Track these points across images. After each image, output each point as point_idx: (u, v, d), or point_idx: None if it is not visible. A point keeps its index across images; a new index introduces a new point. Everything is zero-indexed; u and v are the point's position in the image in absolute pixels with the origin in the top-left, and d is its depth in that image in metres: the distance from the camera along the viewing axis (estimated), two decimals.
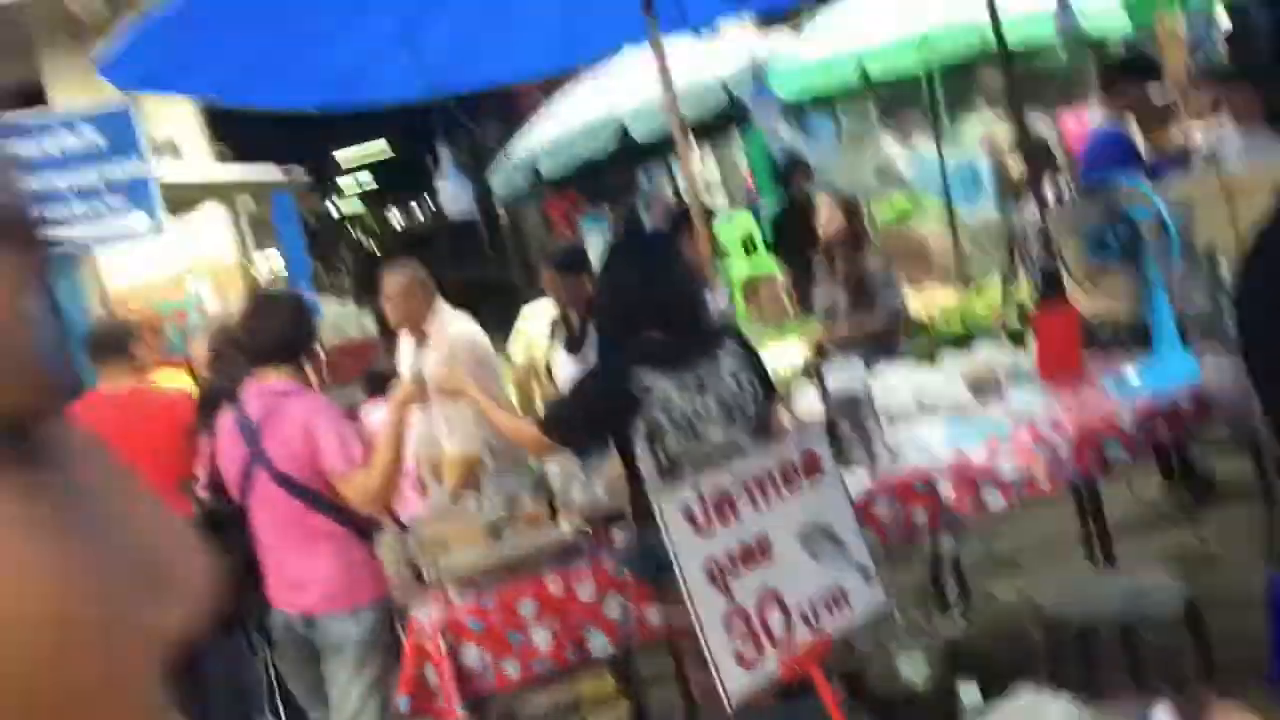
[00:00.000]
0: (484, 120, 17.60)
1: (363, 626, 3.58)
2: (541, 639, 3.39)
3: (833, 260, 5.45)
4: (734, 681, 1.37)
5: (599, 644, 3.43)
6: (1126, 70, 5.81)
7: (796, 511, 1.47)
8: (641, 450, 3.00)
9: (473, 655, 3.35)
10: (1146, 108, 5.78)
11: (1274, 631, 3.30)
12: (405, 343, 5.13)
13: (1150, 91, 5.74)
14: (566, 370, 4.92)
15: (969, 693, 3.62)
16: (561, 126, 7.70)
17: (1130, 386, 3.99)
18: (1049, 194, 5.79)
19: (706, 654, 1.37)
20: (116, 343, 4.67)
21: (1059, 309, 4.67)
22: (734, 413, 2.99)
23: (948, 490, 3.64)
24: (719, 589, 1.37)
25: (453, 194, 6.20)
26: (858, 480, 3.36)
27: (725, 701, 1.37)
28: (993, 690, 2.76)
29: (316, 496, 3.56)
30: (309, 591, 3.56)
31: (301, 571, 3.57)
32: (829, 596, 1.48)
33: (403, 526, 4.17)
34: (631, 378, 3.02)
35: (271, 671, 3.95)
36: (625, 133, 7.22)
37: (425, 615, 3.40)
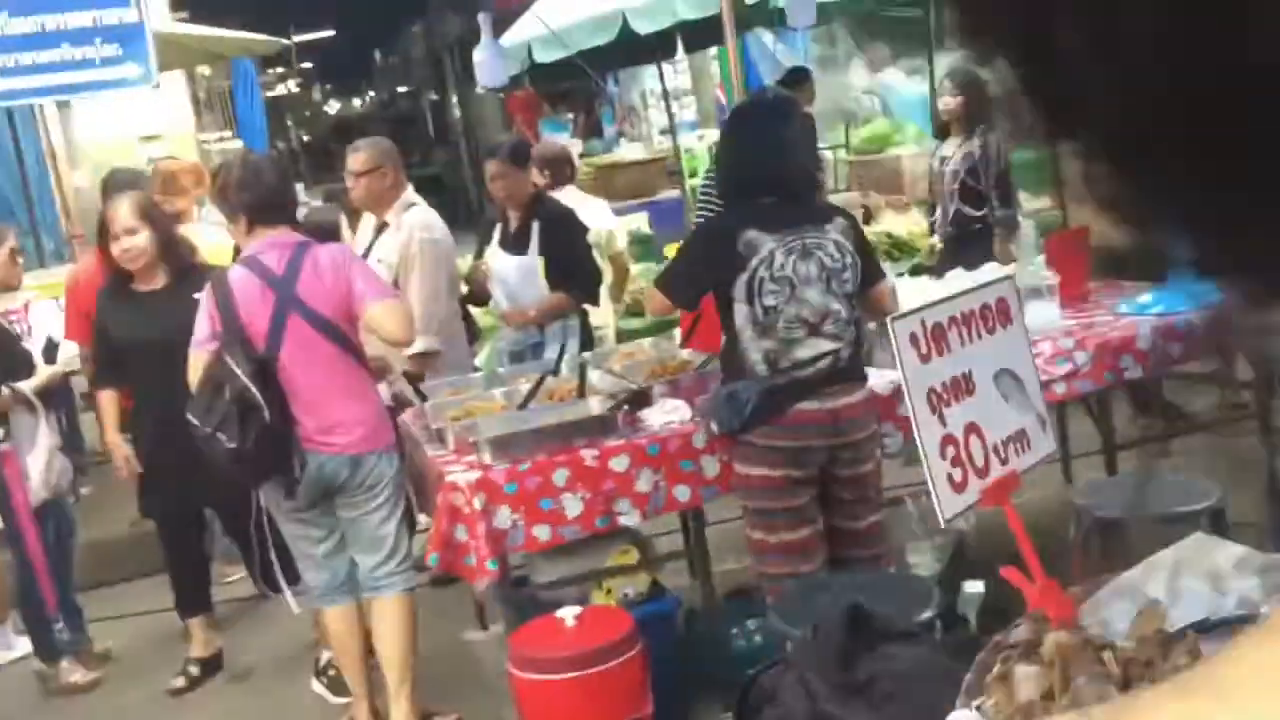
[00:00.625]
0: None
1: (395, 466, 3.75)
2: (572, 506, 3.45)
3: None
4: (949, 503, 1.43)
5: (628, 514, 3.50)
6: None
7: (992, 353, 1.52)
8: (740, 302, 3.15)
9: (504, 516, 3.40)
10: None
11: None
12: (366, 226, 5.04)
13: None
14: (510, 273, 4.77)
15: (973, 587, 3.76)
16: (562, 15, 7.59)
17: (1143, 305, 4.12)
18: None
19: (927, 476, 1.42)
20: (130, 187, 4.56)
21: (1072, 232, 4.79)
22: (833, 281, 3.18)
23: None
24: (937, 416, 1.42)
25: (490, 66, 6.05)
26: (888, 378, 3.48)
27: (940, 519, 1.43)
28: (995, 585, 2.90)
29: (351, 340, 3.64)
30: (352, 431, 3.62)
31: (344, 413, 3.62)
32: (1015, 436, 1.54)
33: (422, 395, 4.17)
34: (739, 236, 3.15)
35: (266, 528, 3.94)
36: (626, 24, 7.14)
37: (460, 476, 3.43)
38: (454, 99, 23.24)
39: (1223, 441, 5.21)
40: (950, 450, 1.43)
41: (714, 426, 3.37)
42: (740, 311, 3.19)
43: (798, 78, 6.91)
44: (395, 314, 3.62)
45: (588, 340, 4.86)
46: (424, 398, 4.15)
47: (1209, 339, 4.11)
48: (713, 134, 10.37)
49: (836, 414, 3.21)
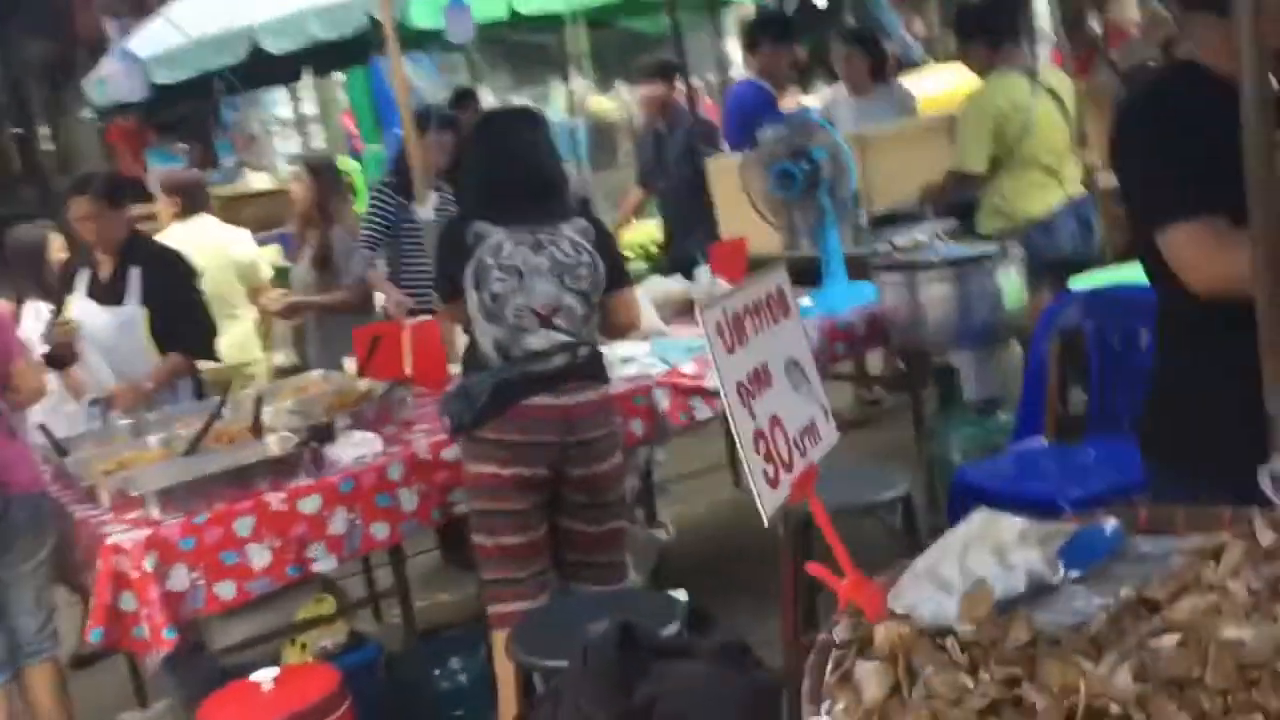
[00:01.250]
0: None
1: (46, 511, 3.43)
2: (259, 557, 3.14)
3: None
4: (768, 499, 1.34)
5: (323, 560, 3.23)
6: (766, 31, 6.21)
7: (780, 343, 1.46)
8: (470, 289, 3.15)
9: (181, 576, 3.03)
10: (780, 68, 6.24)
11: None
12: None
13: (787, 53, 6.20)
14: (105, 328, 4.25)
15: (678, 596, 3.76)
16: (179, 34, 7.00)
17: (805, 309, 4.31)
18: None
19: (747, 472, 1.33)
20: None
21: (731, 242, 4.96)
22: (566, 276, 3.17)
23: (664, 402, 3.78)
24: (748, 410, 1.34)
25: (126, 78, 5.41)
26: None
27: (764, 517, 1.34)
28: (704, 596, 2.91)
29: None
30: (15, 470, 3.34)
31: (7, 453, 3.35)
32: (808, 427, 1.49)
33: (60, 449, 3.66)
34: (469, 228, 3.17)
35: None
36: (256, 43, 6.71)
37: (124, 536, 3.01)
38: (44, 130, 21.11)
39: (866, 437, 5.59)
40: (762, 445, 1.35)
41: (447, 423, 3.24)
42: (471, 300, 3.17)
43: (463, 100, 6.80)
44: (31, 377, 3.51)
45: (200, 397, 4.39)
46: (63, 452, 3.64)
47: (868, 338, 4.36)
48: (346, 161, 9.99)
49: (570, 410, 3.16)
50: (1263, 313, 1.73)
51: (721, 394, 1.31)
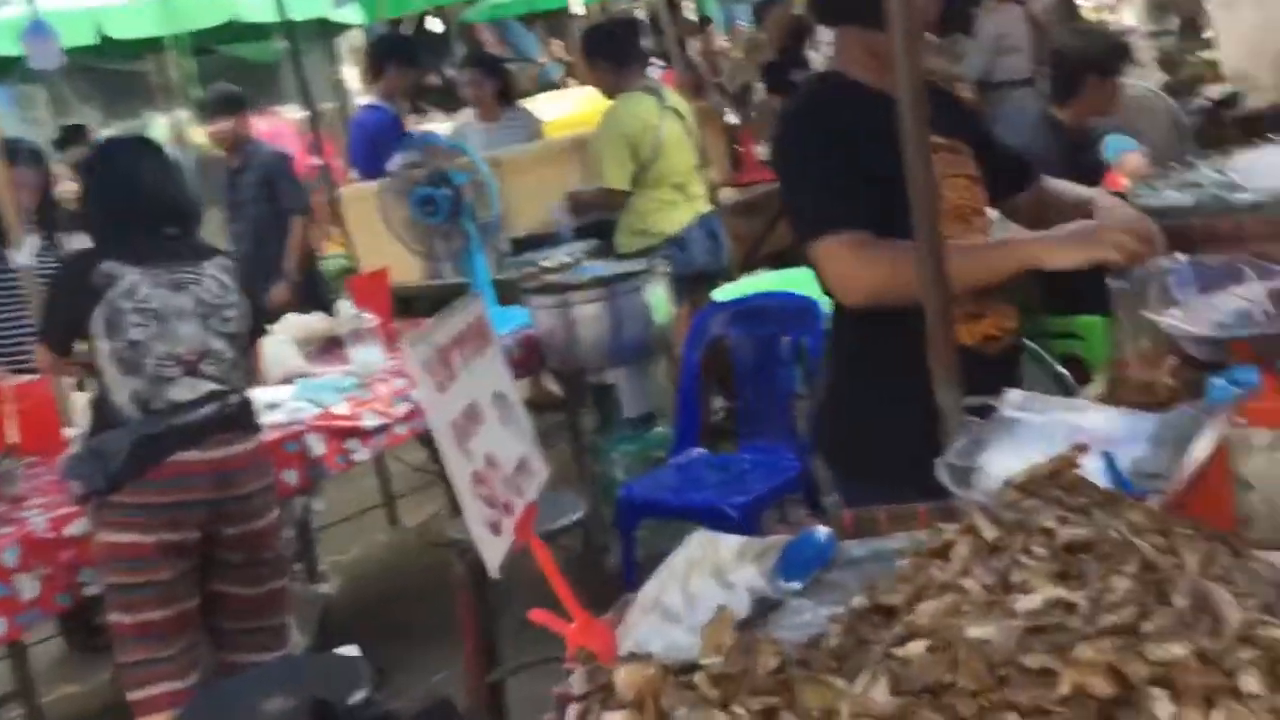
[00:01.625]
0: None
1: None
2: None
3: None
4: (491, 549, 1.22)
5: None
6: (391, 54, 6.05)
7: (485, 376, 1.35)
8: (100, 338, 2.83)
9: None
10: (405, 91, 6.10)
11: (626, 546, 3.72)
12: None
13: (413, 76, 6.07)
14: None
15: (349, 652, 3.55)
16: None
17: None
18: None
19: (469, 522, 1.20)
20: None
21: (371, 274, 4.76)
22: (212, 318, 2.93)
23: (318, 448, 3.54)
24: (464, 452, 1.21)
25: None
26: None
27: (490, 569, 1.21)
28: (375, 646, 2.76)
29: None
30: None
31: None
32: (521, 464, 1.38)
33: None
34: (96, 268, 2.87)
35: None
36: None
37: None
38: None
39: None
40: (482, 490, 1.23)
41: (76, 488, 2.85)
42: (102, 349, 2.83)
43: (73, 137, 6.18)
44: None
45: None
46: None
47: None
48: None
49: (221, 464, 2.89)
50: (930, 308, 1.80)
51: (436, 437, 1.18)
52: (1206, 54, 8.80)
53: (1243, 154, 2.37)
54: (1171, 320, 1.46)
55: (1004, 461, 1.78)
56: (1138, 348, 2.06)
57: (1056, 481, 1.36)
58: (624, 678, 1.23)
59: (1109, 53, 4.03)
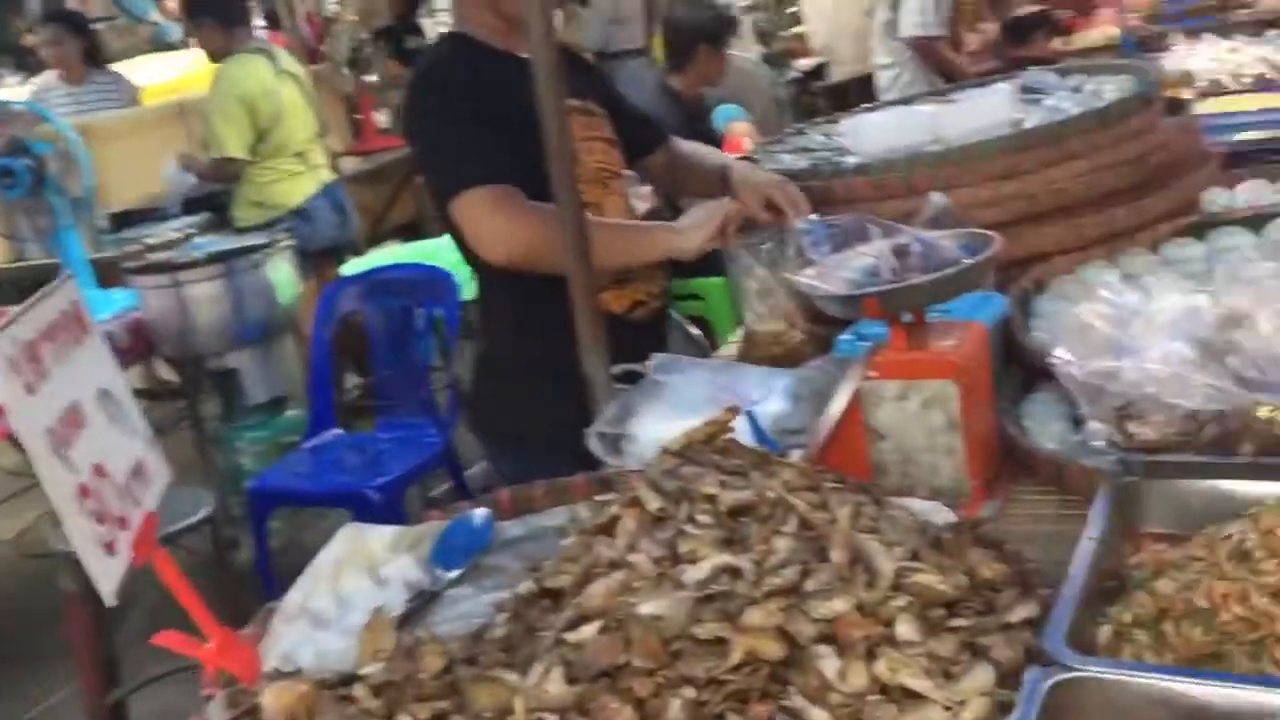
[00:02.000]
0: None
1: None
2: None
3: None
4: (106, 572, 1.06)
5: None
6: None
7: (87, 370, 1.17)
8: None
9: None
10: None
11: (259, 540, 3.48)
12: None
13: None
14: None
15: None
16: None
17: None
18: None
19: (76, 545, 1.03)
20: None
21: None
22: None
23: None
24: (64, 463, 1.04)
25: None
26: None
27: (105, 597, 1.04)
28: None
29: None
30: None
31: None
32: (136, 468, 1.21)
33: None
34: None
35: None
36: None
37: None
38: None
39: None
40: (90, 504, 1.06)
41: None
42: None
43: None
44: None
45: None
46: None
47: None
48: None
49: None
50: (574, 277, 1.77)
51: (28, 449, 1.00)
52: (797, 29, 9.43)
53: (850, 119, 2.50)
54: (807, 279, 1.49)
55: (654, 426, 1.79)
56: (767, 306, 2.13)
57: (712, 445, 1.36)
58: (272, 699, 1.11)
59: (719, 24, 4.18)
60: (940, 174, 2.01)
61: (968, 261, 1.42)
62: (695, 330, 3.04)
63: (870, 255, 1.50)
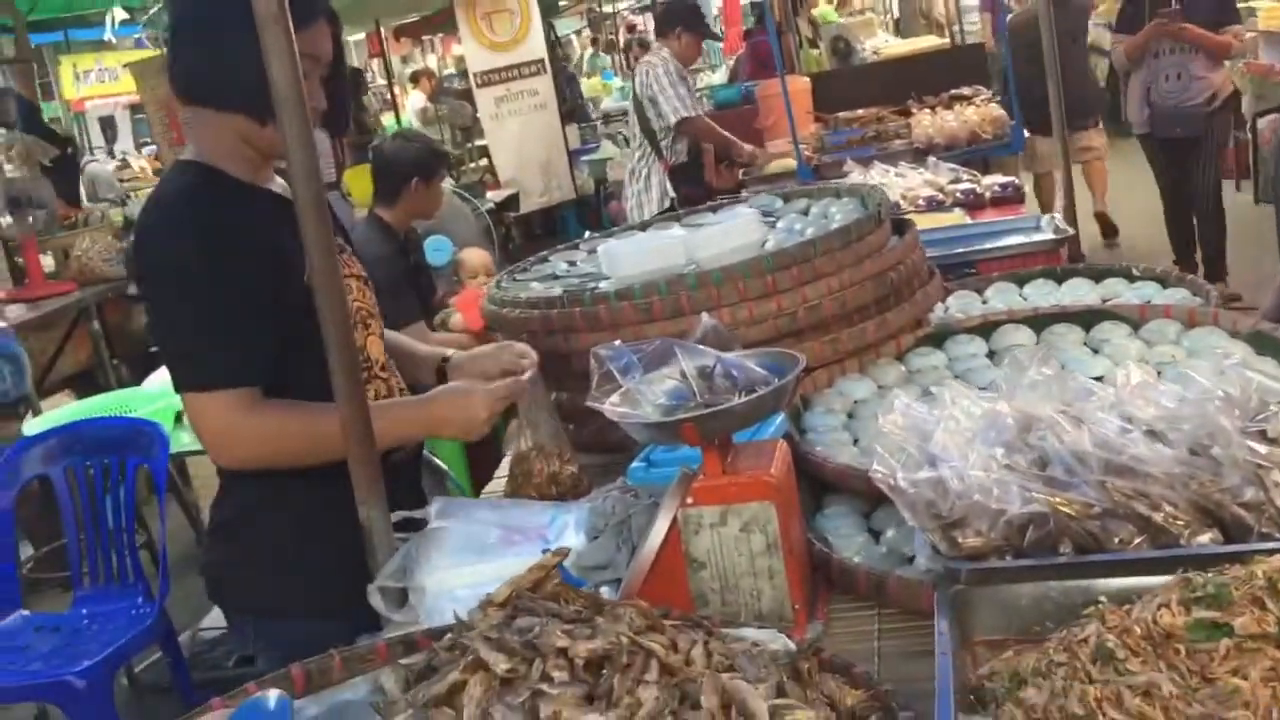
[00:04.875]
0: None
1: None
2: None
3: None
4: None
5: None
6: None
7: None
8: None
9: None
10: None
11: None
12: None
13: None
14: None
15: None
16: None
17: None
18: None
19: None
20: None
21: None
22: None
23: None
24: None
25: None
26: None
27: None
28: None
29: None
30: None
31: None
32: None
33: None
34: None
35: None
36: None
37: None
38: None
39: None
40: None
41: None
42: None
43: None
44: None
45: None
46: None
47: None
48: None
49: None
50: (347, 421, 1.63)
51: None
52: (485, 161, 9.58)
53: (596, 244, 2.50)
54: (615, 407, 1.44)
55: (443, 576, 1.66)
56: (538, 439, 2.06)
57: (541, 593, 1.26)
58: None
59: (430, 158, 4.14)
60: (703, 295, 2.02)
61: (780, 381, 1.41)
62: (443, 465, 2.90)
63: (676, 379, 1.46)
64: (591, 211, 9.54)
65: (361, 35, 13.13)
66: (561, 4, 13.43)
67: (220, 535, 1.92)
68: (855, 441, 1.89)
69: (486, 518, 1.74)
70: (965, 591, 1.28)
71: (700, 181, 6.05)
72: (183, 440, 3.39)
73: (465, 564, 1.66)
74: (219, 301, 1.70)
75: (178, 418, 3.41)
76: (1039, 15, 3.70)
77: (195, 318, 1.72)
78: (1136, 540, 1.25)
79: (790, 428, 1.86)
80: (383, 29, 11.53)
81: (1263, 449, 1.29)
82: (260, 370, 1.74)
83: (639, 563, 1.43)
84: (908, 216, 3.34)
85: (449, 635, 1.24)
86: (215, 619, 3.70)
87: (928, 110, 5.70)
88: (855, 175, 4.73)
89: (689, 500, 1.43)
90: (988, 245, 3.36)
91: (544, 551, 1.54)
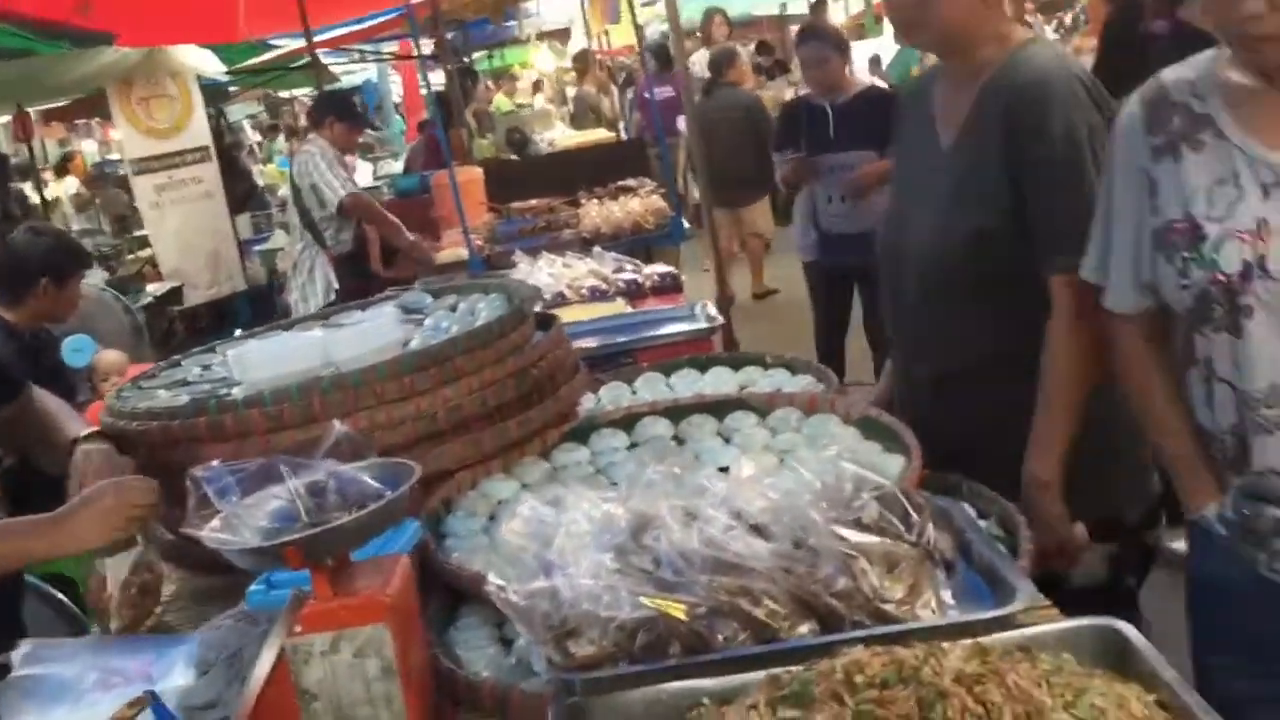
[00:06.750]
0: None
1: None
2: None
3: None
4: None
5: None
6: None
7: None
8: None
9: None
10: None
11: None
12: None
13: None
14: None
15: None
16: None
17: None
18: None
19: None
20: None
21: None
22: None
23: None
24: None
25: None
26: None
27: None
28: None
29: None
30: None
31: None
32: None
33: None
34: None
35: None
36: None
37: None
38: None
39: None
40: None
41: None
42: None
43: None
44: None
45: None
46: None
47: None
48: None
49: None
50: None
51: None
52: (145, 252, 9.03)
53: (230, 346, 2.36)
54: (213, 534, 1.33)
55: None
56: (129, 563, 1.91)
57: None
58: None
59: (63, 256, 3.83)
60: (338, 399, 1.94)
61: (391, 495, 1.35)
62: (57, 593, 2.61)
63: (283, 498, 1.38)
64: (266, 303, 9.17)
65: (6, 118, 12.19)
66: (232, 90, 12.97)
67: None
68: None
69: (84, 660, 1.58)
70: (581, 702, 1.26)
71: (366, 273, 5.93)
72: None
73: (59, 715, 1.50)
74: None
75: None
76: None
77: None
78: (740, 637, 1.27)
79: (428, 535, 1.80)
80: (31, 112, 10.74)
81: (855, 537, 1.34)
82: None
83: (245, 700, 1.33)
84: (559, 310, 3.41)
85: None
86: None
87: (595, 200, 5.85)
88: (523, 265, 4.76)
89: (297, 628, 1.34)
90: (645, 334, 3.45)
91: (146, 693, 1.41)
